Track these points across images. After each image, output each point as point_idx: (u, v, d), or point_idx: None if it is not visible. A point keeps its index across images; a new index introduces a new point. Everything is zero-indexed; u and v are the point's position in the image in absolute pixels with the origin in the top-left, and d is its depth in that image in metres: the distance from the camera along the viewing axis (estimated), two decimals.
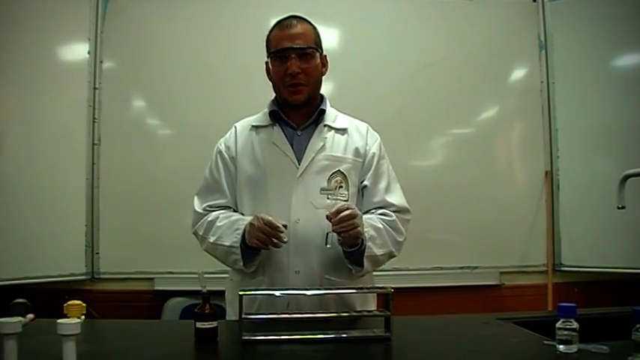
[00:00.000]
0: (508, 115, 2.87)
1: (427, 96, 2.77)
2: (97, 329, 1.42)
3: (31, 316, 1.01)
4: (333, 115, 1.60)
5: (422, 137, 2.81)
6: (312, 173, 1.50)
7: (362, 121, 1.65)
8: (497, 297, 2.76)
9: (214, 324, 1.18)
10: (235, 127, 1.62)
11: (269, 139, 1.55)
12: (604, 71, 2.74)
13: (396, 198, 1.57)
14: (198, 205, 1.57)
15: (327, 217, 1.36)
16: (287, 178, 1.50)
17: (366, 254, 1.44)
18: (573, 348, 1.05)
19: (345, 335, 1.22)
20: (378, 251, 1.47)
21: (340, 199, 1.47)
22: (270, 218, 1.37)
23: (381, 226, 1.49)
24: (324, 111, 1.57)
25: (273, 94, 1.58)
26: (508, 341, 1.23)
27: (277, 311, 1.40)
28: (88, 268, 2.61)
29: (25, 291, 1.47)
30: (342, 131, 1.58)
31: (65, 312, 1.00)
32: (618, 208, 1.52)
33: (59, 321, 0.95)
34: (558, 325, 1.07)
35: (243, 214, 1.52)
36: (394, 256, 1.55)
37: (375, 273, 1.59)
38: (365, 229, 1.42)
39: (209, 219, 1.53)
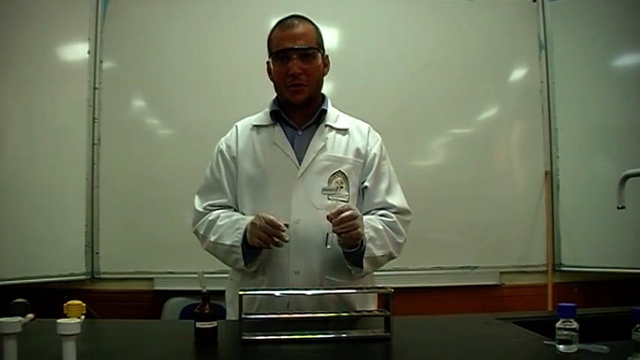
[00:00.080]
0: (508, 115, 2.87)
1: (427, 96, 2.77)
2: (96, 329, 1.42)
3: (30, 316, 1.01)
4: (334, 116, 1.59)
5: (422, 137, 2.80)
6: (312, 173, 1.50)
7: (363, 121, 1.65)
8: (497, 297, 2.75)
9: (214, 324, 1.18)
10: (236, 127, 1.62)
11: (270, 139, 1.55)
12: (604, 71, 2.74)
13: (397, 199, 1.57)
14: (198, 204, 1.57)
15: (328, 217, 1.35)
16: (288, 178, 1.49)
17: (365, 255, 1.44)
18: (573, 348, 1.05)
19: (345, 335, 1.22)
20: (378, 252, 1.47)
21: (341, 200, 1.46)
22: (272, 217, 1.37)
23: (381, 227, 1.49)
24: (325, 111, 1.56)
25: (274, 94, 1.58)
26: (508, 341, 1.23)
27: (277, 311, 1.40)
28: (88, 268, 2.61)
29: (24, 291, 1.46)
30: (343, 131, 1.58)
31: (65, 312, 1.00)
32: (618, 208, 1.52)
33: (59, 321, 0.95)
34: (558, 325, 1.07)
35: (243, 214, 1.52)
36: (394, 258, 1.54)
37: (375, 273, 1.59)
38: (365, 230, 1.42)
39: (210, 218, 1.53)
